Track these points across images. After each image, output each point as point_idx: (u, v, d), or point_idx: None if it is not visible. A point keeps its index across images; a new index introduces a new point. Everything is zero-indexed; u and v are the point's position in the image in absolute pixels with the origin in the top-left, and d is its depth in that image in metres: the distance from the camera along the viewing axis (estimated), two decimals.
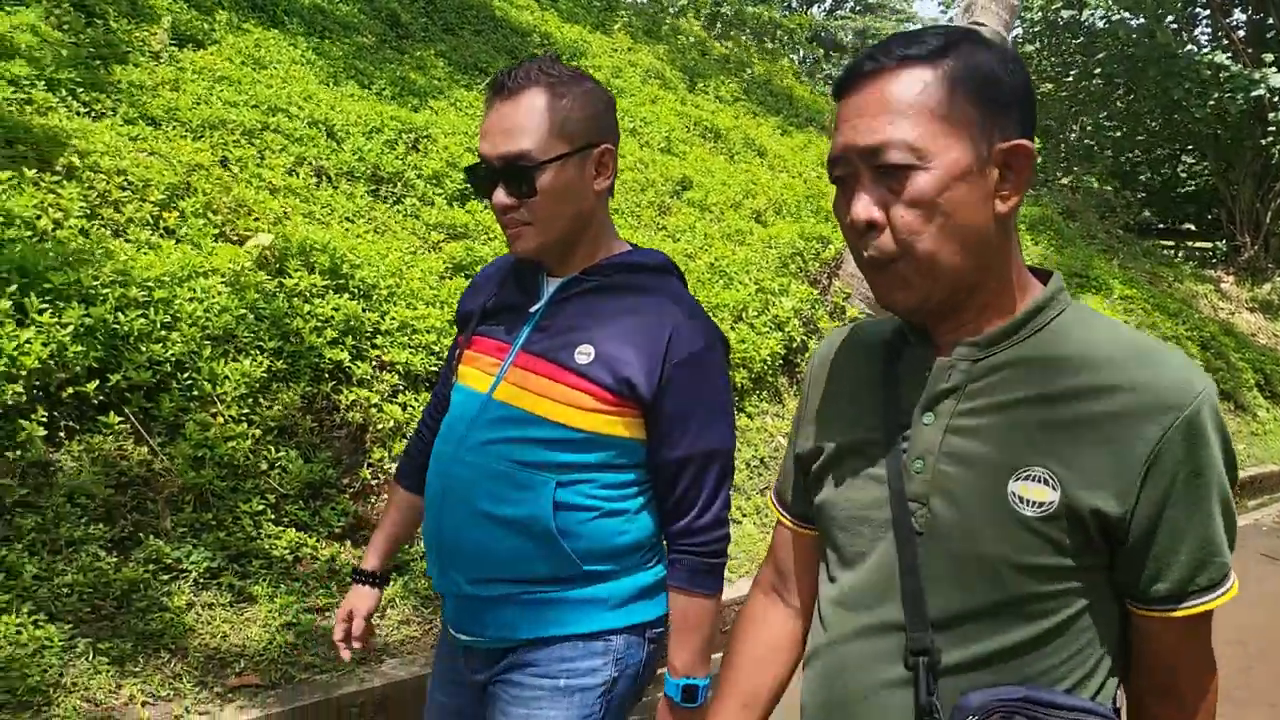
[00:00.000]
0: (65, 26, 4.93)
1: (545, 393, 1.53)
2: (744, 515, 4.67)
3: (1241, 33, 16.15)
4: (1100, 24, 15.69)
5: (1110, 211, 14.74)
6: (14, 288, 3.23)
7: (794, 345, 5.75)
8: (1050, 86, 17.47)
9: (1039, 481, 1.01)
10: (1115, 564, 1.04)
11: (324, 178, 5.00)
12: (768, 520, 4.67)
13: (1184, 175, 19.59)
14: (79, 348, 3.23)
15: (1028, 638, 1.03)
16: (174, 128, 4.64)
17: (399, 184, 5.31)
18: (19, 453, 3.08)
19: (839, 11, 36.84)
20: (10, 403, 3.08)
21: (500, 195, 1.53)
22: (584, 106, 1.55)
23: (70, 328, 3.25)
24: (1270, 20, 15.64)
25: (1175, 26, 16.18)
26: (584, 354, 1.53)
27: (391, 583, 3.18)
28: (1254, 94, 13.31)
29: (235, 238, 4.16)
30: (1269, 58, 13.70)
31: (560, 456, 1.53)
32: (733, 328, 5.47)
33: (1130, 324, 8.64)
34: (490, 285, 1.73)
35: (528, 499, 1.52)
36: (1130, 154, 18.55)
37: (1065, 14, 15.27)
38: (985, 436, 1.05)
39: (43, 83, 4.38)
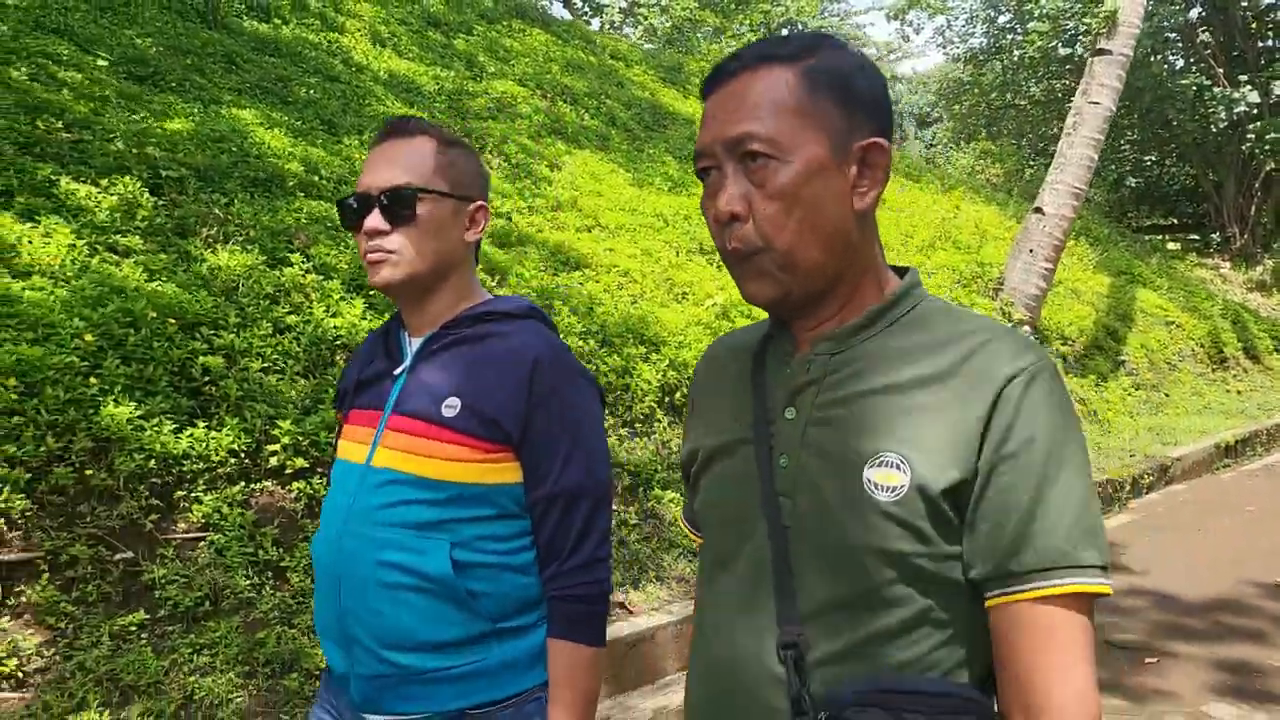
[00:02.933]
0: (494, 168, 7.14)
1: (421, 451, 1.51)
2: None
3: (1208, 52, 18.79)
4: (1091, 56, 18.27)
5: (1122, 215, 17.29)
6: (629, 341, 5.42)
7: None
8: (1054, 120, 20.10)
9: (891, 466, 1.01)
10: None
11: (679, 252, 7.22)
12: None
13: (1167, 179, 22.25)
14: (673, 374, 5.43)
15: (893, 626, 1.02)
16: (602, 232, 6.86)
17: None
18: (644, 440, 5.26)
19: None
20: (645, 412, 5.27)
21: (374, 219, 1.54)
22: (467, 163, 1.62)
23: (666, 361, 5.45)
24: (1236, 41, 18.32)
25: (1149, 48, 18.77)
26: (450, 407, 1.51)
27: None
28: (1236, 110, 15.91)
29: (675, 299, 6.37)
30: (1244, 77, 16.34)
31: (449, 514, 1.50)
32: None
33: (1176, 308, 11.07)
34: (360, 360, 1.72)
35: (425, 563, 1.48)
36: (1122, 164, 21.18)
37: (1063, 50, 17.79)
38: (841, 427, 1.06)
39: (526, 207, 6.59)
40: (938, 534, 1.01)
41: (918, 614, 1.02)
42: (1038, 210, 8.61)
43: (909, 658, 1.03)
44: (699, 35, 22.48)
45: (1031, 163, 20.20)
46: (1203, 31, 18.99)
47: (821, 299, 1.10)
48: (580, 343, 5.09)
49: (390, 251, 1.55)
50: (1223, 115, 16.32)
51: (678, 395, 5.43)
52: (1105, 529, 1.01)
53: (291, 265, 4.68)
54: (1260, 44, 18.45)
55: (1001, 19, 21.40)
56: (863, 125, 1.06)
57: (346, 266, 4.83)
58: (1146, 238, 18.61)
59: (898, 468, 1.01)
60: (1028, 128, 21.80)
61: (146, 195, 4.72)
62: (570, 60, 10.74)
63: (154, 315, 3.89)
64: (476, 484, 1.50)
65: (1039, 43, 18.21)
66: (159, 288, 4.11)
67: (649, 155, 9.27)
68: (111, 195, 4.62)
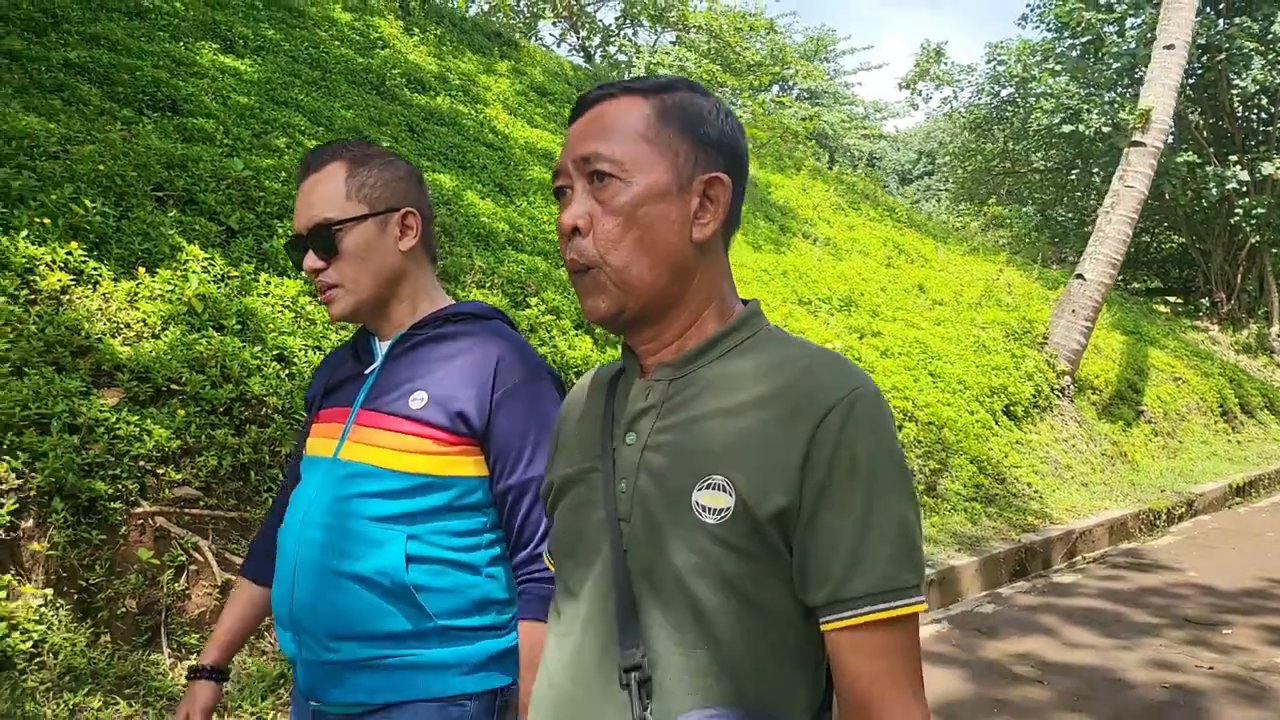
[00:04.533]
0: None
1: (386, 444, 1.57)
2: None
3: (1199, 131, 20.43)
4: (1091, 133, 19.85)
5: (1122, 281, 18.76)
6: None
7: (1040, 392, 9.30)
8: (1050, 188, 21.77)
9: (717, 489, 1.03)
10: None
11: (784, 302, 8.43)
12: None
13: (1155, 245, 23.87)
14: None
15: (730, 649, 1.03)
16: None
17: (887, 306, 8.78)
18: None
19: (784, 102, 39.96)
20: None
21: (309, 259, 1.62)
22: (382, 174, 1.66)
23: None
24: (1224, 123, 19.99)
25: None
26: (418, 400, 1.58)
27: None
28: (1227, 186, 17.50)
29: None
30: (1234, 157, 17.95)
31: (407, 504, 1.55)
32: (1007, 379, 8.98)
33: (1181, 366, 12.46)
34: (327, 371, 1.80)
35: (380, 554, 1.53)
36: None
37: (1066, 128, 19.32)
38: (675, 451, 1.08)
39: None
40: (763, 556, 1.03)
41: (751, 636, 1.03)
42: (1079, 276, 9.96)
43: (748, 681, 1.04)
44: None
45: (1038, 229, 21.76)
46: (1193, 113, 20.65)
47: (658, 320, 1.12)
48: None
49: (333, 285, 1.63)
50: (1214, 191, 17.89)
51: None
52: (922, 545, 1.05)
53: (530, 307, 5.84)
54: (1245, 125, 20.15)
55: (1005, 91, 23.02)
56: (708, 162, 1.11)
57: (572, 309, 5.99)
58: (1142, 300, 20.12)
59: (723, 489, 1.03)
60: (1027, 194, 23.35)
61: None
62: None
63: None
64: (438, 475, 1.56)
65: (1044, 120, 19.80)
66: None
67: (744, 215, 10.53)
68: None
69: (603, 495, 1.13)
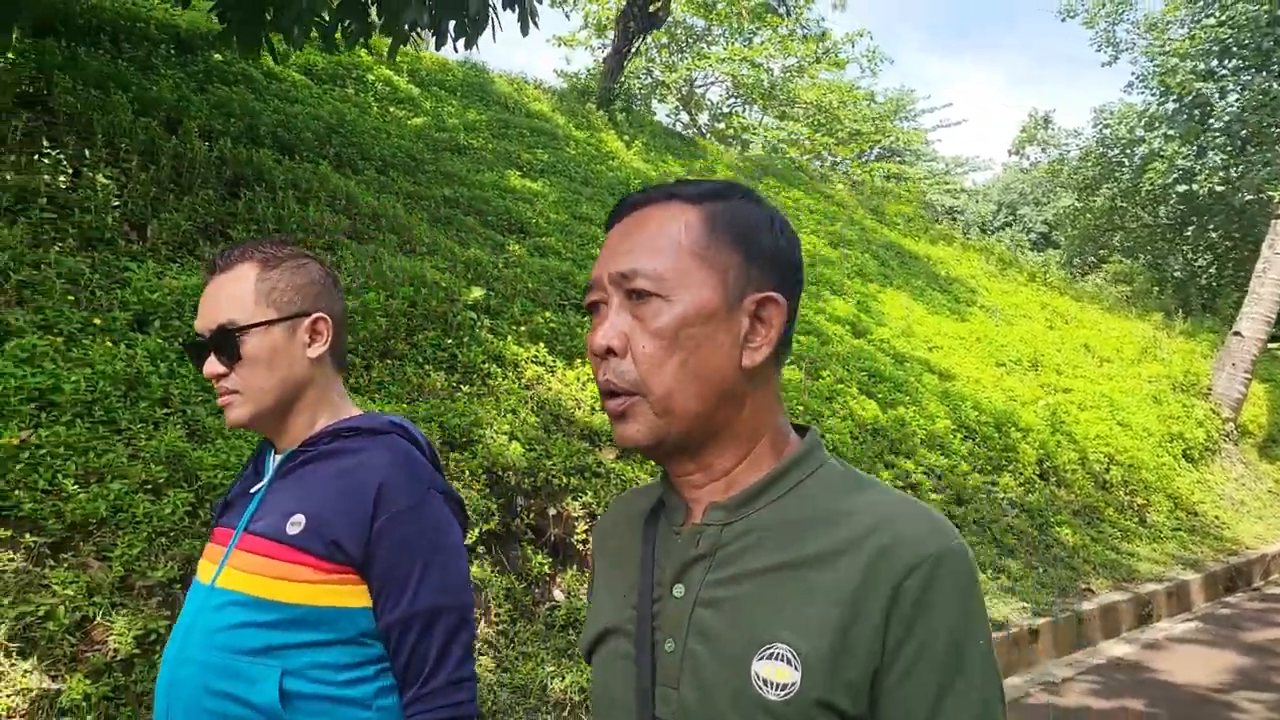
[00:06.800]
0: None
1: (263, 571, 1.48)
2: None
3: None
4: (1204, 192, 20.92)
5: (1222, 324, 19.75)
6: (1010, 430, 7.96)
7: (1210, 437, 10.52)
8: (1160, 242, 22.93)
9: (781, 660, 0.94)
10: None
11: (988, 365, 9.80)
12: None
13: None
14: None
15: None
16: (940, 351, 9.47)
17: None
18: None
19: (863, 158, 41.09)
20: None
21: (210, 365, 1.54)
22: (294, 277, 1.59)
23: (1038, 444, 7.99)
24: None
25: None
26: (295, 524, 1.49)
27: None
28: None
29: (1018, 399, 8.93)
30: None
31: (284, 637, 1.46)
32: (1182, 426, 10.23)
33: None
34: (238, 477, 1.71)
35: (253, 693, 1.43)
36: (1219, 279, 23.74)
37: (1180, 188, 20.46)
38: (732, 609, 0.98)
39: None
40: None
41: None
42: (1237, 333, 11.25)
43: None
44: (828, 165, 25.50)
45: (1159, 284, 22.84)
46: None
47: (701, 453, 1.03)
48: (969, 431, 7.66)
49: (233, 391, 1.56)
50: None
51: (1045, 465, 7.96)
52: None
53: (822, 378, 7.34)
54: None
55: (1110, 153, 24.17)
56: (760, 279, 1.02)
57: (854, 378, 7.48)
58: None
59: (788, 662, 0.93)
60: (1137, 249, 24.37)
61: None
62: (824, 212, 13.60)
63: None
64: (315, 605, 1.47)
65: (1158, 180, 20.96)
66: None
67: (917, 287, 12.01)
68: None
69: (639, 652, 1.04)
